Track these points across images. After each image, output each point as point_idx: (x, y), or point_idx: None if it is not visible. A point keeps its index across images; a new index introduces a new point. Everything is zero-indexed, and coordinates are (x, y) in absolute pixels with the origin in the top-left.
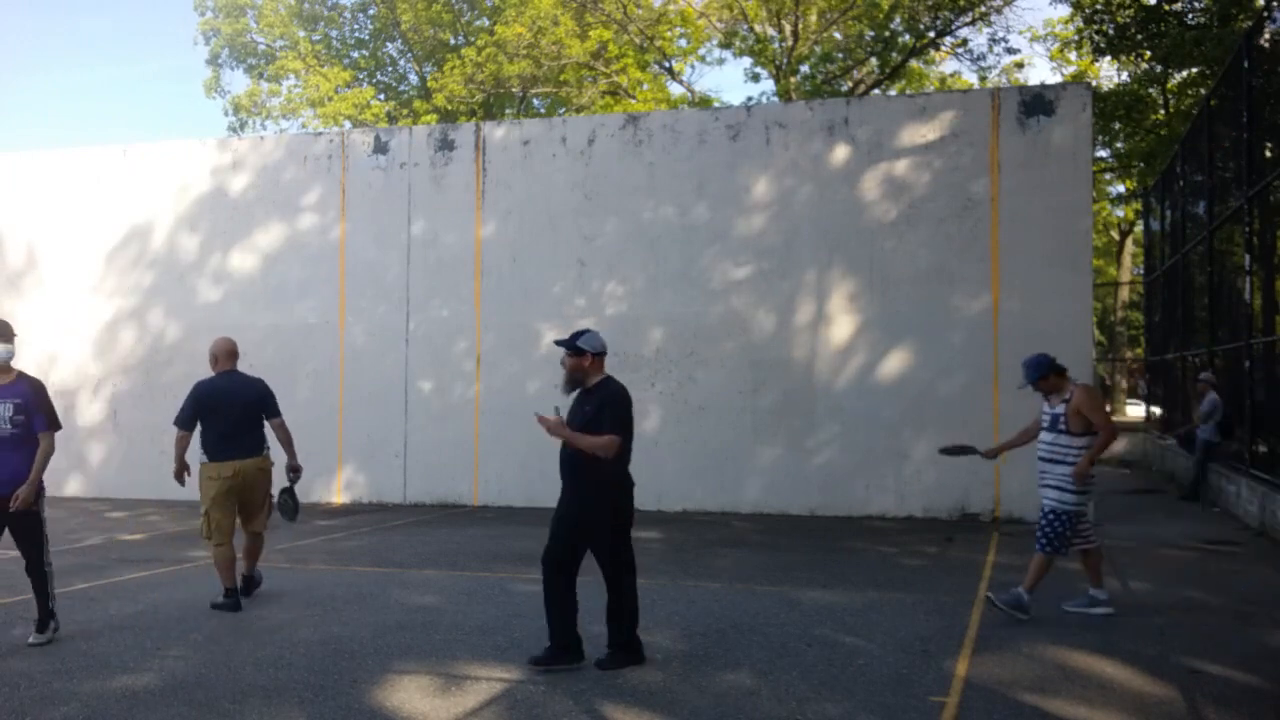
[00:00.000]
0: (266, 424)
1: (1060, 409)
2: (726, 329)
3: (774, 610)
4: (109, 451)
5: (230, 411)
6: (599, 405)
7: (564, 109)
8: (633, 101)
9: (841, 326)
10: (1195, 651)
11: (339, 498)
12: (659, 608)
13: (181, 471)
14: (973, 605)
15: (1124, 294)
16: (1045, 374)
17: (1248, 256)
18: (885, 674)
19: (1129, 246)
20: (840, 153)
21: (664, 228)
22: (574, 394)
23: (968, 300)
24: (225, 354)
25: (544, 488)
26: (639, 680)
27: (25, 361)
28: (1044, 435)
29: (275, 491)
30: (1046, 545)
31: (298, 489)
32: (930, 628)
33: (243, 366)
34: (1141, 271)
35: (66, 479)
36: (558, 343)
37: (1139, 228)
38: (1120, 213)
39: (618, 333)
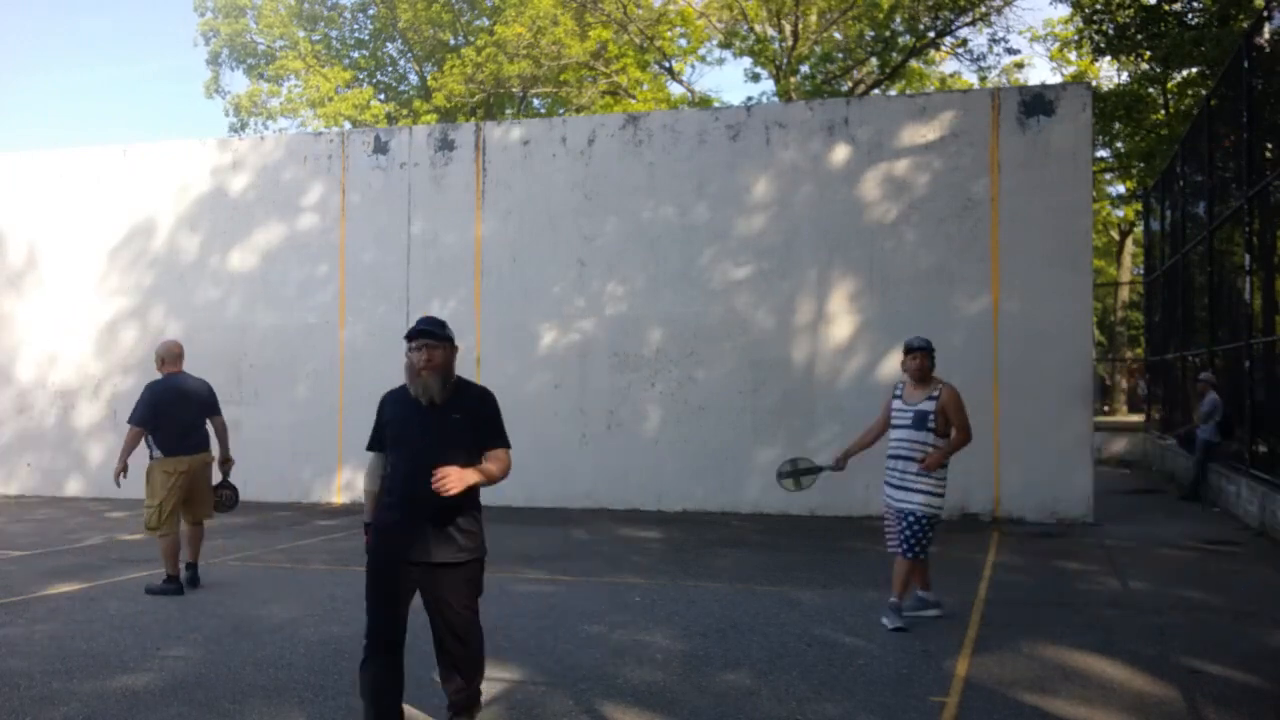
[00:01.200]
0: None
1: (928, 406)
2: (726, 329)
3: (774, 610)
4: (109, 451)
5: (186, 410)
6: (477, 413)
7: (564, 109)
8: (633, 101)
9: (841, 326)
10: (1195, 651)
11: (339, 498)
12: (659, 608)
13: (123, 471)
14: (973, 605)
15: (1124, 294)
16: (931, 354)
17: (1248, 256)
18: (885, 674)
19: (1129, 246)
20: (840, 153)
21: (664, 228)
22: (406, 399)
23: (968, 300)
24: (174, 356)
25: (544, 488)
26: (639, 680)
27: (26, 361)
28: (905, 433)
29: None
30: (919, 553)
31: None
32: (930, 628)
33: (243, 366)
34: (1141, 271)
35: (66, 479)
36: (421, 333)
37: (1139, 228)
38: (1120, 213)
39: (618, 333)
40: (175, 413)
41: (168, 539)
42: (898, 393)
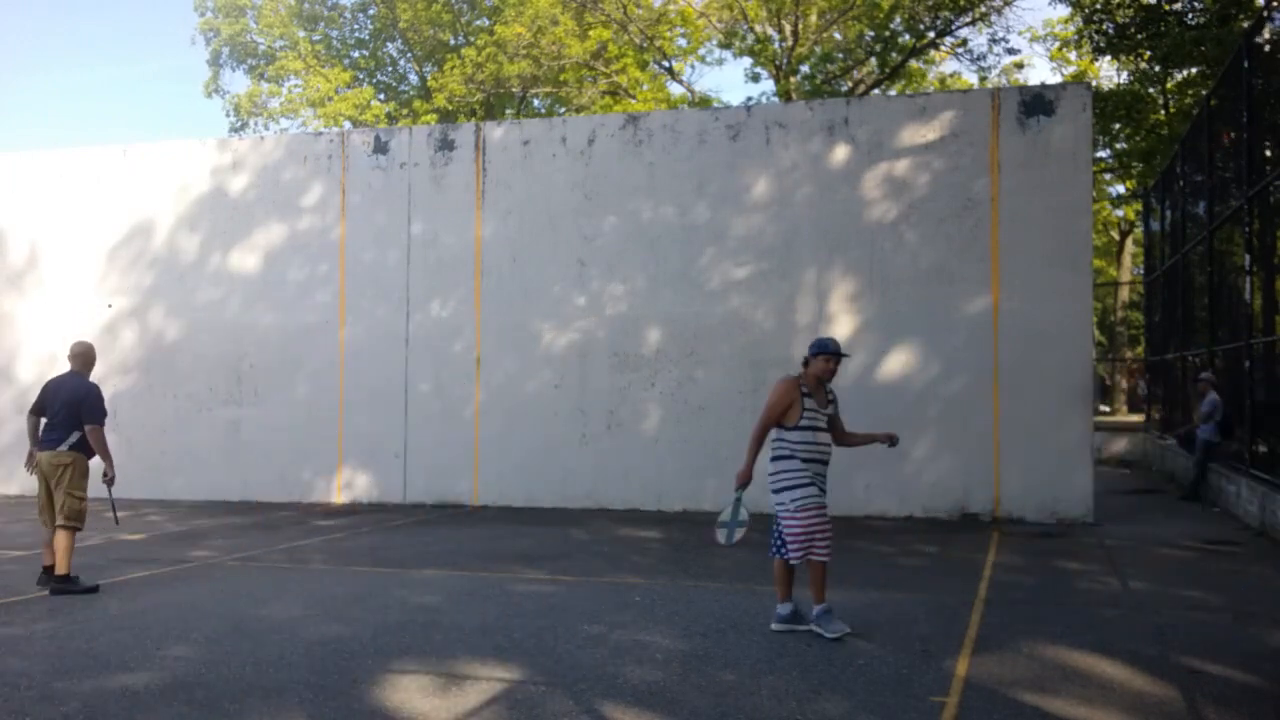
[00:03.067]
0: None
1: (833, 409)
2: (726, 329)
3: (774, 610)
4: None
5: (53, 407)
6: None
7: (564, 109)
8: (633, 101)
9: (841, 326)
10: (1195, 651)
11: (339, 498)
12: (659, 608)
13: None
14: (973, 605)
15: (1124, 294)
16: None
17: (1248, 256)
18: (885, 674)
19: (1129, 246)
20: (840, 153)
21: (664, 228)
22: None
23: (968, 300)
24: (70, 356)
25: (544, 488)
26: (639, 680)
27: (26, 361)
28: (825, 436)
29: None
30: None
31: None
32: (930, 628)
33: (243, 366)
34: (1141, 271)
35: None
36: None
37: (1139, 228)
38: (1120, 213)
39: (618, 333)
40: (46, 407)
41: (44, 529)
42: (806, 390)
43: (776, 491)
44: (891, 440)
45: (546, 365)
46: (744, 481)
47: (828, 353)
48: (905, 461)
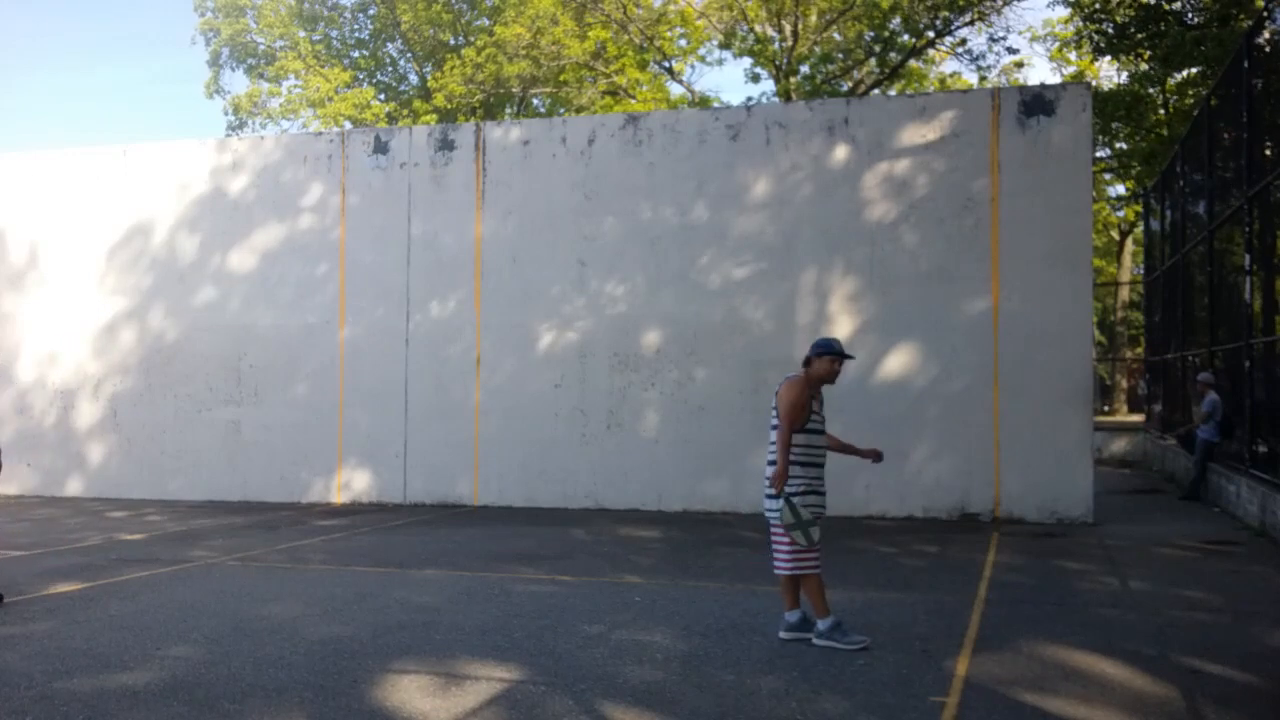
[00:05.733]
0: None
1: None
2: (726, 329)
3: (774, 610)
4: (109, 451)
5: None
6: None
7: (564, 109)
8: (632, 101)
9: (841, 326)
10: (1195, 651)
11: (339, 498)
12: (659, 608)
13: None
14: (973, 605)
15: (1124, 294)
16: None
17: (1248, 256)
18: (885, 674)
19: (1129, 246)
20: (840, 153)
21: (664, 228)
22: None
23: (968, 300)
24: None
25: (544, 488)
26: (639, 680)
27: (25, 361)
28: (824, 440)
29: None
30: None
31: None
32: (930, 628)
33: (243, 366)
34: (1141, 271)
35: (66, 479)
36: None
37: (1139, 228)
38: (1120, 213)
39: (618, 332)
40: None
41: None
42: (811, 392)
43: (773, 497)
44: (876, 457)
45: (546, 365)
46: (784, 485)
47: (833, 353)
48: (905, 462)
